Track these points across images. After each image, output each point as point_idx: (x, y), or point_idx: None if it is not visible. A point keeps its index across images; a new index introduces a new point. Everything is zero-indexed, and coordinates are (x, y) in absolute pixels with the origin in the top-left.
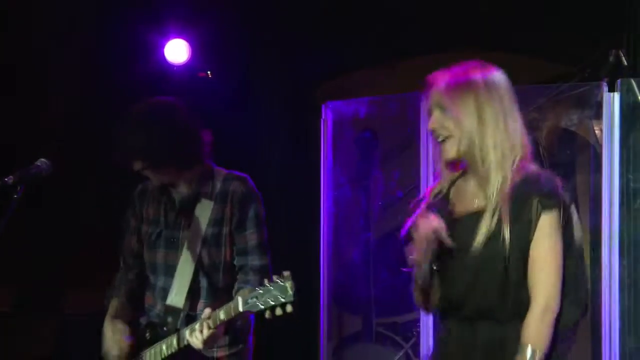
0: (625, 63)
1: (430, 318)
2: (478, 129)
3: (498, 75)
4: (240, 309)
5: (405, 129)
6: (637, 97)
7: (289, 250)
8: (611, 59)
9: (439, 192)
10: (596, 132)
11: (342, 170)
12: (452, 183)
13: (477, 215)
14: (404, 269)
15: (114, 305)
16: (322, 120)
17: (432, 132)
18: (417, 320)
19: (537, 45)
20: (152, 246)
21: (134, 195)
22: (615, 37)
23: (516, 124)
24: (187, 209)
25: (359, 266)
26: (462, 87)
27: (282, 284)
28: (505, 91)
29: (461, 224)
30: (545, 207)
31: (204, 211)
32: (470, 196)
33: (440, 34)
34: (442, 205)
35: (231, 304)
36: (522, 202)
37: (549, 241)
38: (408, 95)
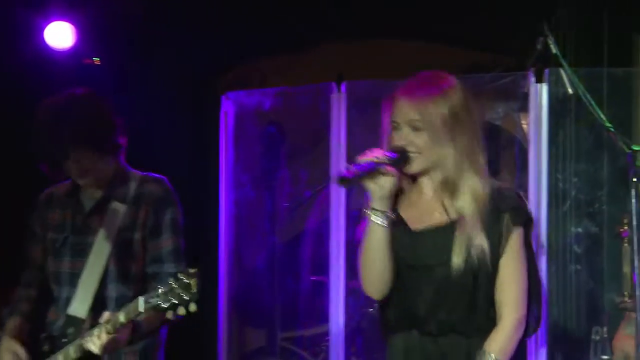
0: (554, 51)
1: (341, 331)
2: (452, 150)
3: (467, 91)
4: (141, 309)
5: (315, 123)
6: (566, 89)
7: (184, 256)
8: (538, 46)
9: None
10: (523, 126)
11: (245, 168)
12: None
13: (442, 230)
14: (313, 277)
15: (11, 324)
16: (222, 113)
17: (395, 147)
18: (326, 334)
19: (458, 33)
20: (58, 254)
21: (39, 200)
22: (544, 24)
23: (481, 140)
24: (97, 213)
25: (262, 274)
26: (438, 105)
27: (186, 281)
28: (475, 107)
29: (423, 239)
30: (516, 222)
31: (115, 216)
32: (428, 209)
33: (356, 21)
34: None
35: (131, 305)
36: (492, 218)
37: (519, 257)
38: (319, 86)
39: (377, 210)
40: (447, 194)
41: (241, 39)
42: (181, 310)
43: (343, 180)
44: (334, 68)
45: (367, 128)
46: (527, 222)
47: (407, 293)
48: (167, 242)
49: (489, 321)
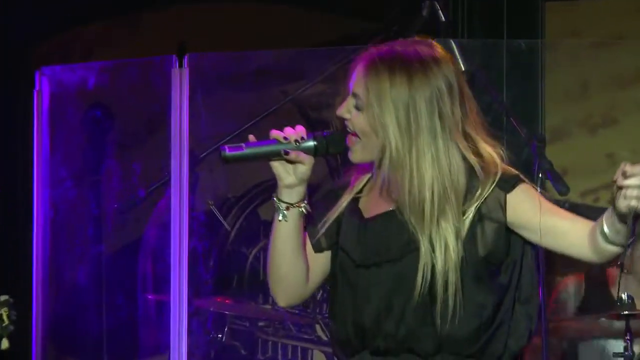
0: (443, 18)
1: None
2: (405, 148)
3: (449, 64)
4: None
5: (151, 105)
6: (459, 63)
7: None
8: (424, 12)
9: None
10: None
11: (63, 160)
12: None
13: (389, 216)
14: (150, 296)
15: None
16: (35, 92)
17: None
18: None
19: None
20: None
21: None
22: None
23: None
24: None
25: (86, 292)
26: (395, 88)
27: None
28: (458, 90)
29: (371, 229)
30: (507, 188)
31: None
32: (385, 194)
33: None
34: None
35: None
36: (469, 198)
37: (544, 204)
38: (155, 60)
39: (281, 201)
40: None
41: (59, 1)
42: None
43: (225, 157)
44: (174, 37)
45: (214, 111)
46: (524, 181)
47: (356, 301)
48: None
49: (452, 342)
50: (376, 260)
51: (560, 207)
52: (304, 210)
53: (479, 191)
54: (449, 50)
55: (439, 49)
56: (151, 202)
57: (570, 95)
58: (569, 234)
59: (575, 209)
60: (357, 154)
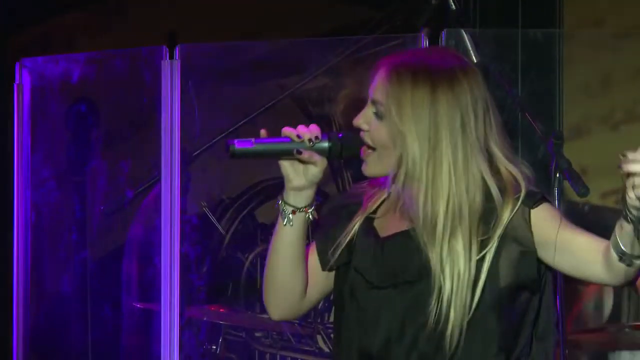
0: (454, 7)
1: None
2: (423, 159)
3: (477, 77)
4: None
5: (139, 99)
6: (470, 55)
7: None
8: (434, 1)
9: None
10: None
11: (46, 159)
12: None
13: (406, 236)
14: (138, 305)
15: None
16: (15, 86)
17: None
18: None
19: None
20: None
21: None
22: None
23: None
24: None
25: (70, 301)
26: (419, 97)
27: None
28: (483, 104)
29: (387, 249)
30: (530, 204)
31: None
32: (398, 213)
33: None
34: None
35: None
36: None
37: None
38: (144, 50)
39: (287, 204)
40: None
41: None
42: None
43: (233, 151)
44: (165, 27)
45: (207, 106)
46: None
47: (364, 325)
48: None
49: None
50: (393, 281)
51: (580, 209)
52: (310, 217)
53: (501, 216)
54: (460, 40)
55: (466, 60)
56: (140, 204)
57: (590, 90)
58: (584, 250)
59: (596, 211)
60: (372, 166)
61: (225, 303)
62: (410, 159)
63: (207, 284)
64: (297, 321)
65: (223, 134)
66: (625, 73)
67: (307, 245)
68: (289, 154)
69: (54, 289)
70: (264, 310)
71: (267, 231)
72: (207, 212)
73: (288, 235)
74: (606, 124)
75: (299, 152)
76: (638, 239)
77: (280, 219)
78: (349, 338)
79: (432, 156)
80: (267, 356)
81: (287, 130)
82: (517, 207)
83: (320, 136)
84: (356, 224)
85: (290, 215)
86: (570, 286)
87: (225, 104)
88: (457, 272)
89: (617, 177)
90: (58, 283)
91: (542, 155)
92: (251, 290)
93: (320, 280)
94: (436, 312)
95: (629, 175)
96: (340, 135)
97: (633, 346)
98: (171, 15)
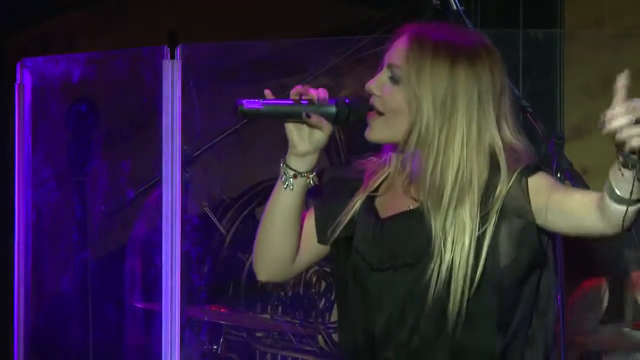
0: (455, 6)
1: None
2: (437, 126)
3: (497, 55)
4: None
5: (140, 99)
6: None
7: None
8: (434, 1)
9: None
10: None
11: (46, 159)
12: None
13: (410, 216)
14: (139, 304)
15: None
16: (16, 86)
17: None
18: None
19: None
20: None
21: None
22: None
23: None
24: None
25: (71, 301)
26: (440, 65)
27: None
28: (500, 83)
29: (388, 230)
30: (526, 174)
31: None
32: (400, 191)
33: None
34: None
35: None
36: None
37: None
38: (145, 50)
39: (289, 167)
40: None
41: None
42: None
43: (242, 111)
44: (165, 27)
45: (208, 106)
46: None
47: (367, 308)
48: None
49: (477, 347)
50: (392, 263)
51: None
52: (311, 182)
53: (499, 189)
54: None
55: (489, 43)
56: (141, 204)
57: (591, 90)
58: (578, 206)
59: None
60: (377, 131)
61: (226, 303)
62: (424, 124)
63: (208, 284)
64: (298, 321)
65: (224, 134)
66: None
67: (304, 211)
68: (297, 117)
69: (54, 289)
70: (265, 310)
71: None
72: (208, 212)
73: (286, 199)
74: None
75: (308, 116)
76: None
77: (280, 182)
78: (353, 320)
79: (447, 124)
80: (268, 356)
81: (295, 92)
82: (513, 178)
83: (327, 99)
84: (357, 203)
85: (291, 180)
86: (569, 287)
87: (226, 104)
88: (461, 244)
89: None
90: (59, 283)
91: (543, 155)
92: (252, 290)
93: (313, 249)
94: (435, 288)
95: (617, 133)
96: (347, 100)
97: (631, 346)
98: (172, 15)
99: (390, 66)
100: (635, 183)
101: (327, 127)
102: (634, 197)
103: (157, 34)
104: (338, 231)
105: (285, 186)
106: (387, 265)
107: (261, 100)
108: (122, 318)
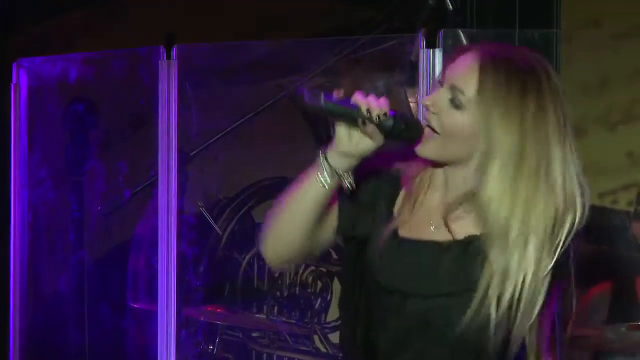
0: (451, 7)
1: None
2: (495, 159)
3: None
4: None
5: (137, 100)
6: None
7: None
8: (430, 1)
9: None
10: (411, 104)
11: (43, 159)
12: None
13: (436, 248)
14: (135, 305)
15: None
16: (12, 86)
17: (396, 113)
18: None
19: None
20: None
21: None
22: None
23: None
24: None
25: (67, 301)
26: (510, 82)
27: None
28: (565, 112)
29: (404, 252)
30: None
31: None
32: (428, 215)
33: None
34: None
35: None
36: None
37: None
38: (142, 51)
39: (327, 163)
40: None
41: None
42: None
43: (312, 102)
44: (162, 27)
45: (205, 106)
46: None
47: (373, 324)
48: None
49: None
50: (403, 289)
51: None
52: (349, 186)
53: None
54: (457, 41)
55: (548, 65)
56: (137, 204)
57: (588, 90)
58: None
59: (594, 211)
60: (431, 149)
61: (222, 303)
62: (499, 153)
63: (204, 284)
64: (294, 321)
65: (220, 134)
66: (624, 73)
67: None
68: (354, 122)
69: (51, 289)
70: (261, 310)
71: None
72: (204, 212)
73: (316, 194)
74: (604, 124)
75: (364, 124)
76: None
77: (314, 175)
78: (354, 318)
79: (519, 155)
80: (264, 356)
81: (359, 99)
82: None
83: (388, 113)
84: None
85: (323, 176)
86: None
87: (223, 104)
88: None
89: (614, 178)
90: (55, 283)
91: None
92: (248, 291)
93: (329, 237)
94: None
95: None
96: (401, 115)
97: (629, 347)
98: (169, 15)
99: (453, 88)
100: None
101: (378, 138)
102: None
103: (155, 35)
104: (358, 228)
105: (319, 182)
106: (395, 289)
107: (322, 96)
108: (119, 318)
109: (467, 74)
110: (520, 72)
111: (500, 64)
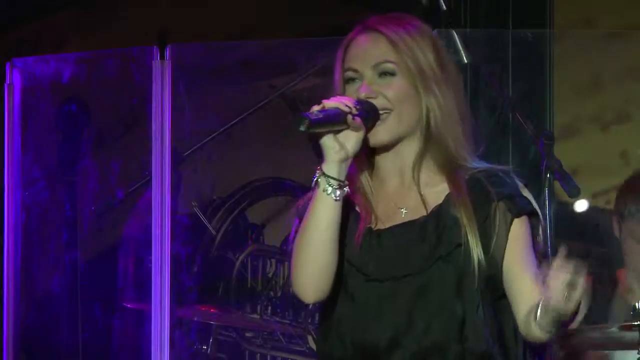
0: (444, 7)
1: None
2: (436, 109)
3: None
4: None
5: (130, 99)
6: (460, 57)
7: None
8: (424, 2)
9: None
10: None
11: (36, 159)
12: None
13: (416, 227)
14: (129, 305)
15: None
16: (5, 86)
17: (359, 102)
18: None
19: None
20: None
21: None
22: None
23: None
24: None
25: (60, 301)
26: (421, 43)
27: None
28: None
29: (388, 241)
30: (515, 212)
31: None
32: (395, 200)
33: None
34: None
35: None
36: (481, 207)
37: (528, 249)
38: (135, 50)
39: (329, 177)
40: (425, 177)
41: None
42: None
43: (305, 123)
44: (155, 26)
45: (198, 106)
46: (530, 214)
47: (361, 318)
48: None
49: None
50: (394, 274)
51: (571, 210)
52: (347, 192)
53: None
54: (451, 41)
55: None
56: (131, 204)
57: (581, 90)
58: (526, 289)
59: (586, 211)
60: (392, 128)
61: (216, 303)
62: (442, 103)
63: (198, 284)
64: (287, 321)
65: (214, 134)
66: (616, 73)
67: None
68: (344, 121)
69: (44, 289)
70: (254, 310)
71: (257, 231)
72: (197, 212)
73: (332, 211)
74: (597, 124)
75: (354, 120)
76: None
77: (321, 196)
78: (340, 331)
79: (457, 103)
80: (258, 356)
81: (333, 101)
82: (498, 202)
83: (358, 104)
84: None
85: (332, 189)
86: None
87: (216, 103)
88: (477, 241)
89: (607, 177)
90: (48, 283)
91: (533, 155)
92: (242, 291)
93: None
94: (455, 292)
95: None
96: (357, 102)
97: (621, 346)
98: (162, 15)
99: (377, 65)
100: (555, 323)
101: (362, 130)
102: (552, 330)
103: (148, 34)
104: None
105: (332, 197)
106: (388, 276)
107: (314, 111)
108: (112, 318)
109: (377, 45)
110: (413, 22)
111: (394, 23)
